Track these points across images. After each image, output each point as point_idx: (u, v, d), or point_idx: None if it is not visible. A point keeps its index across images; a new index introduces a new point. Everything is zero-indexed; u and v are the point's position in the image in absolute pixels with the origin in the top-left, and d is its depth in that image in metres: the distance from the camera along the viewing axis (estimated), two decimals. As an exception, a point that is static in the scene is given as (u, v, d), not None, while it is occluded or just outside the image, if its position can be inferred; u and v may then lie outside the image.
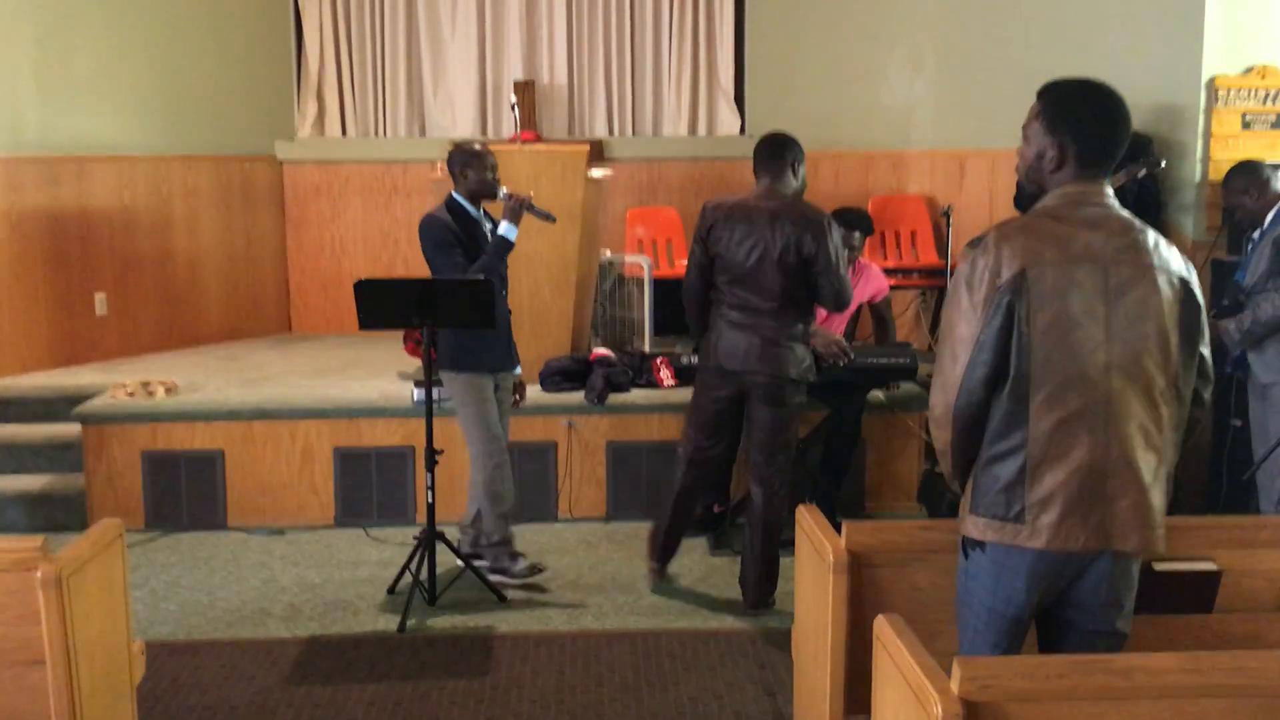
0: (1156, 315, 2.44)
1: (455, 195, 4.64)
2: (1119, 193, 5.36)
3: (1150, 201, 5.45)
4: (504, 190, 4.63)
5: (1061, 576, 2.49)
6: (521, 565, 4.77)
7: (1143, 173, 5.22)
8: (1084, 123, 2.54)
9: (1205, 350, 2.56)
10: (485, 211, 4.71)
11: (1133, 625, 2.59)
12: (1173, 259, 2.51)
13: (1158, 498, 2.48)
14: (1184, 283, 2.50)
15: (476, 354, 4.60)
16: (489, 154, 4.65)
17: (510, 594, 4.69)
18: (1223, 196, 4.86)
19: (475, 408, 4.62)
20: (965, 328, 2.47)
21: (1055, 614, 2.56)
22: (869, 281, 5.52)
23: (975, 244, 2.51)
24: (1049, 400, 2.42)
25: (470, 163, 4.60)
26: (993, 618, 2.53)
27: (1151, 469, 2.46)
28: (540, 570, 4.84)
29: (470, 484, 4.77)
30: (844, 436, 5.42)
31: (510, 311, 4.76)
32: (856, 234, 5.33)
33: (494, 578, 4.74)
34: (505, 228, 4.57)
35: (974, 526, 2.53)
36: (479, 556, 4.83)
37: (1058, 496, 2.43)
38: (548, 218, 4.70)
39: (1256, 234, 4.69)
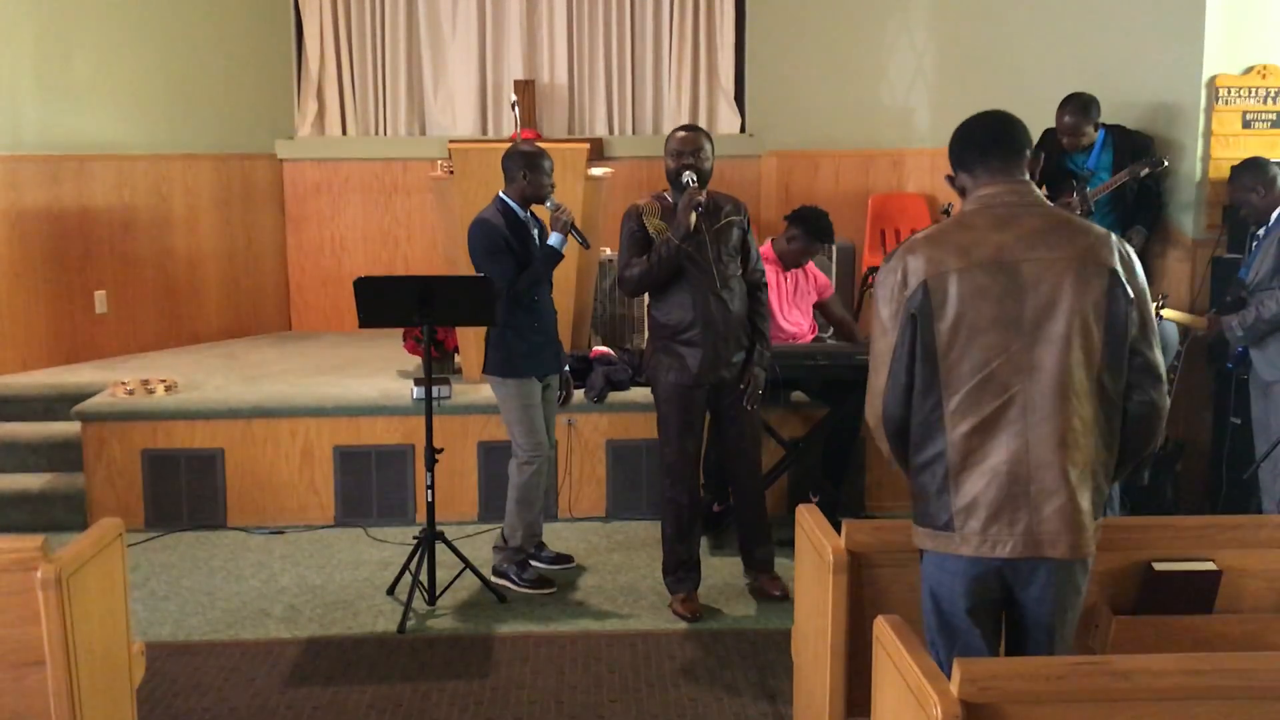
0: (1074, 312, 2.41)
1: (505, 197, 4.60)
2: (1120, 191, 5.38)
3: (1151, 201, 5.46)
4: (553, 200, 4.59)
5: (1000, 582, 2.48)
6: (530, 574, 4.76)
7: (1145, 172, 5.22)
8: (955, 147, 2.63)
9: (1149, 350, 2.48)
10: (532, 213, 4.68)
11: (1133, 625, 2.60)
12: (1104, 247, 2.46)
13: (1085, 499, 2.43)
14: (1112, 274, 2.43)
15: (525, 360, 4.59)
16: (548, 158, 4.60)
17: (510, 594, 4.69)
18: (1228, 192, 4.85)
19: (520, 412, 4.62)
20: (882, 341, 2.53)
21: (1011, 618, 2.57)
22: (813, 282, 5.50)
23: (888, 258, 2.55)
24: (962, 406, 2.43)
25: (532, 166, 4.54)
26: (940, 622, 2.55)
27: (1077, 470, 2.42)
28: (550, 586, 4.76)
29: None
30: (843, 435, 5.42)
31: (556, 312, 4.77)
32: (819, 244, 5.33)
33: (496, 580, 4.74)
34: (556, 239, 4.56)
35: (916, 536, 2.57)
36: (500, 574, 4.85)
37: (980, 502, 2.43)
38: (584, 243, 4.68)
39: (1261, 231, 4.68)
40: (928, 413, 2.47)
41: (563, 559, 5.01)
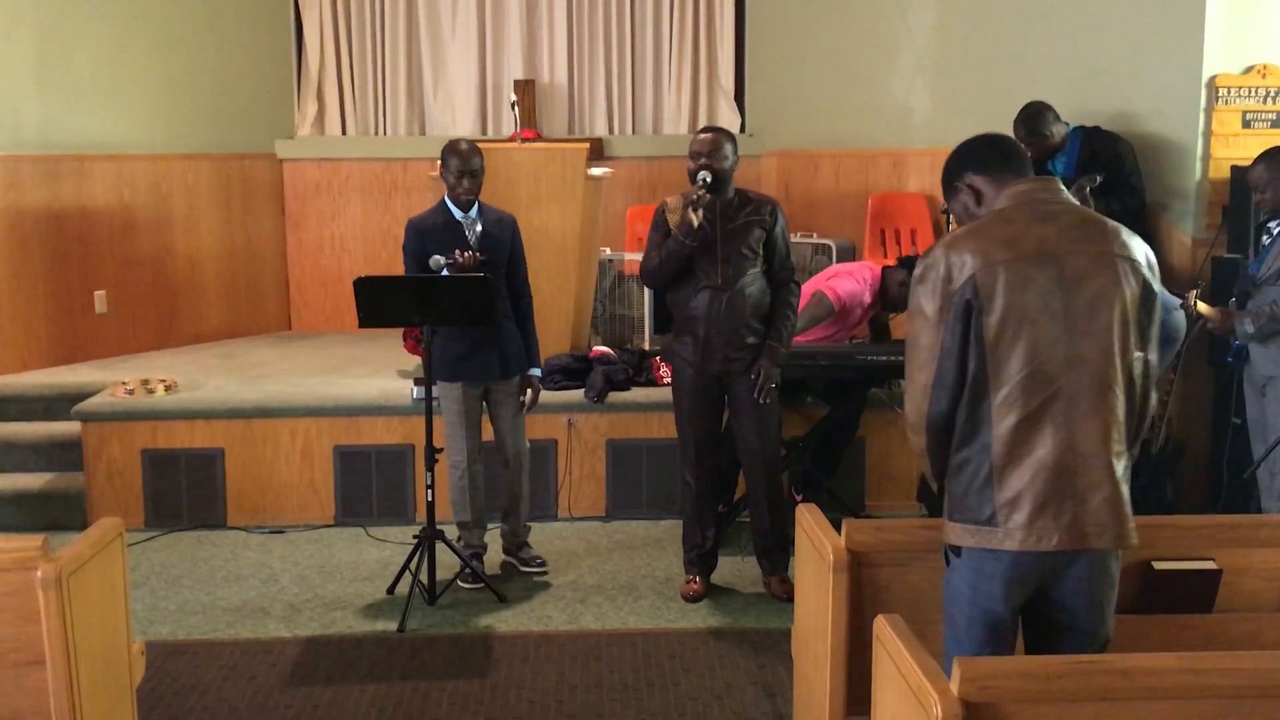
0: (1118, 304, 2.44)
1: (445, 196, 4.66)
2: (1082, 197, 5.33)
3: (1129, 212, 5.39)
4: (436, 259, 4.48)
5: (1039, 577, 2.49)
6: (468, 572, 4.73)
7: (1088, 189, 5.15)
8: (964, 154, 2.64)
9: (1150, 353, 2.53)
10: (484, 212, 4.66)
11: (1133, 625, 2.60)
12: (1134, 247, 2.51)
13: (1126, 489, 2.47)
14: (1144, 270, 2.49)
15: (456, 364, 4.62)
16: (457, 156, 4.56)
17: (510, 594, 4.69)
18: (1250, 178, 4.72)
19: (449, 415, 4.68)
20: (927, 337, 2.51)
21: (1041, 614, 2.56)
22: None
23: (927, 254, 2.54)
24: (1009, 399, 2.43)
25: (444, 163, 4.59)
26: (972, 622, 2.53)
27: (1120, 462, 2.46)
28: (474, 577, 4.71)
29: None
30: (842, 435, 5.43)
31: (508, 318, 4.70)
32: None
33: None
34: (434, 262, 4.50)
35: (952, 532, 2.55)
36: (511, 555, 4.93)
37: (1025, 496, 2.43)
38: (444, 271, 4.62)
39: (1275, 225, 4.63)
40: (974, 406, 2.47)
41: (533, 563, 4.98)
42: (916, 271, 2.56)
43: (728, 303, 4.42)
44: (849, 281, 5.27)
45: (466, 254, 4.49)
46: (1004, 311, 2.42)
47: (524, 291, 4.80)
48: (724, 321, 4.43)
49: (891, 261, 5.94)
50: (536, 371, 4.84)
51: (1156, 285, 2.52)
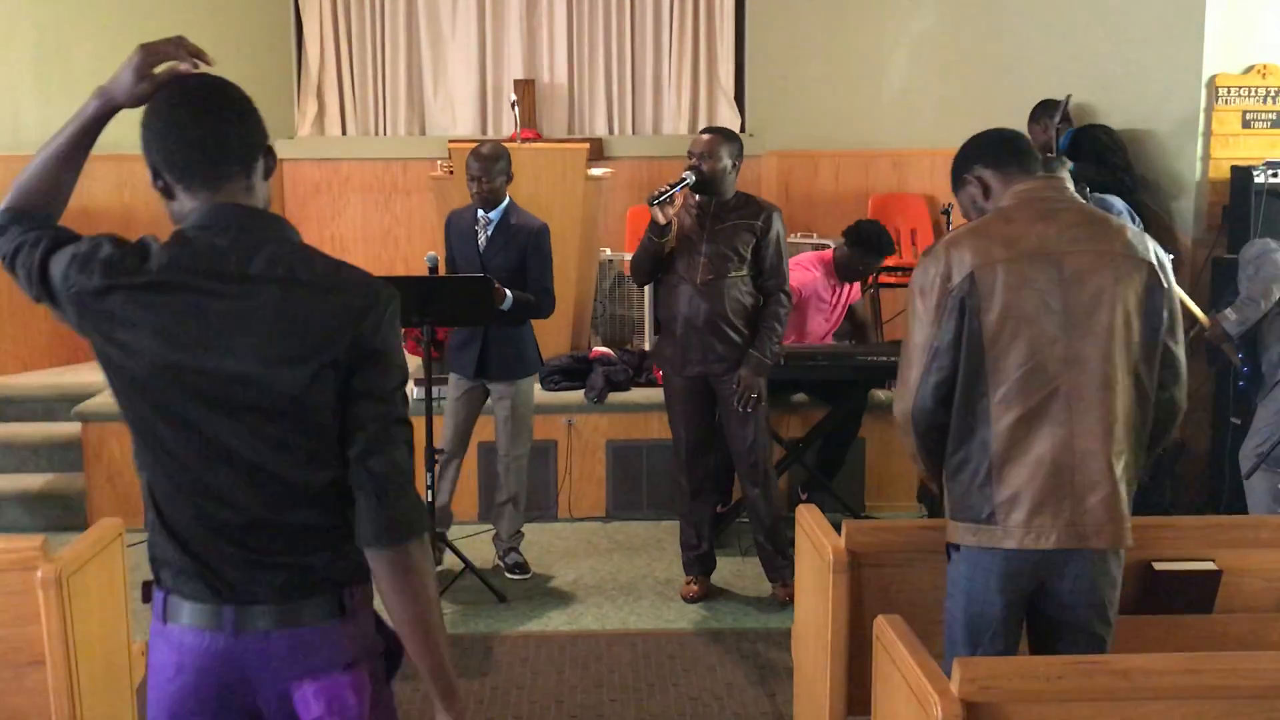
0: (1118, 303, 2.43)
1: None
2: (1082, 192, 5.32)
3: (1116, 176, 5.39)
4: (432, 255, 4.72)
5: (1036, 575, 2.49)
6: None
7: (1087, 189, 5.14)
8: (975, 147, 2.64)
9: (1176, 346, 2.52)
10: (508, 215, 4.67)
11: (1133, 625, 2.60)
12: (1140, 244, 2.50)
13: (1124, 489, 2.46)
14: (1150, 268, 2.47)
15: (452, 355, 4.76)
16: (473, 157, 4.61)
17: (510, 595, 4.69)
18: None
19: (445, 404, 4.79)
20: (920, 335, 2.50)
21: (1043, 614, 2.56)
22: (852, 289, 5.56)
23: (928, 252, 2.54)
24: (1007, 398, 2.43)
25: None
26: (970, 619, 2.54)
27: (1119, 461, 2.45)
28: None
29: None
30: (843, 435, 5.43)
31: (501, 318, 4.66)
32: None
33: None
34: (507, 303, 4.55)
35: (953, 530, 2.55)
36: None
37: (1024, 494, 2.43)
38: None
39: None
40: (971, 404, 2.46)
41: (515, 570, 4.95)
42: (917, 268, 2.56)
43: (704, 303, 4.38)
44: (797, 272, 5.19)
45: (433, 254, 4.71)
46: (1002, 309, 2.42)
47: (538, 298, 4.69)
48: (700, 321, 4.40)
49: (890, 261, 5.97)
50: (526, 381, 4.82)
51: (1168, 281, 2.50)
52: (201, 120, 1.83)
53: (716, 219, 4.43)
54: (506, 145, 4.87)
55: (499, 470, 4.86)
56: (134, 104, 1.93)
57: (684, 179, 4.36)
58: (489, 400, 4.79)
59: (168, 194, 1.95)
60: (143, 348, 1.79)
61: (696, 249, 4.41)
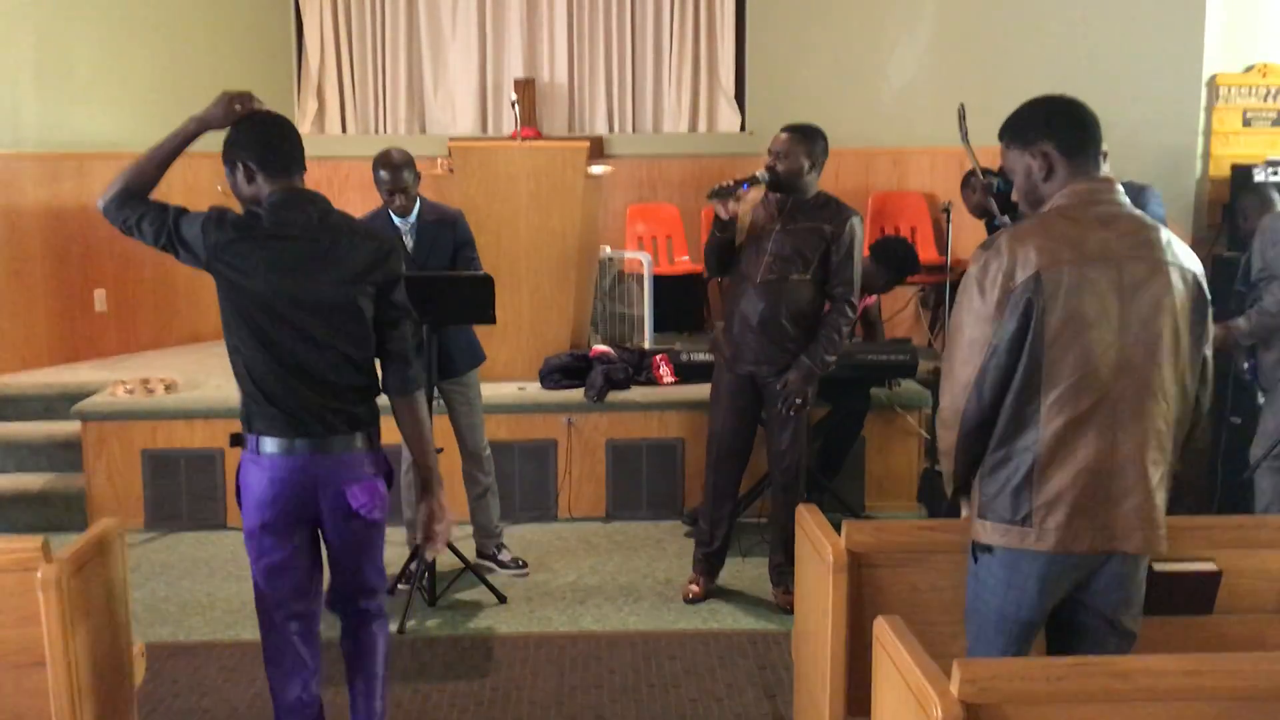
0: (1170, 313, 2.43)
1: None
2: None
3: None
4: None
5: (1071, 578, 2.49)
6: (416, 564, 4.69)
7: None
8: (1054, 120, 2.56)
9: (1208, 351, 2.55)
10: (427, 219, 4.61)
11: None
12: (1185, 255, 2.49)
13: (1161, 498, 2.47)
14: (1196, 279, 2.48)
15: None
16: (380, 164, 4.53)
17: (510, 595, 4.69)
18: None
19: None
20: (977, 330, 2.45)
21: (1066, 616, 2.56)
22: None
23: (987, 246, 2.48)
24: (1060, 401, 2.41)
25: (374, 171, 4.54)
26: (1003, 622, 2.52)
27: (1158, 470, 2.46)
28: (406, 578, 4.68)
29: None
30: (844, 435, 5.42)
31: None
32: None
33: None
34: None
35: (983, 530, 2.52)
36: (487, 557, 4.91)
37: (1064, 498, 2.42)
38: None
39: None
40: (1022, 405, 2.44)
41: (512, 565, 4.96)
42: (974, 263, 2.49)
43: (762, 302, 4.33)
44: None
45: None
46: (1064, 313, 2.39)
47: None
48: (755, 321, 4.34)
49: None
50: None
51: (1208, 292, 2.51)
52: (284, 135, 2.95)
53: (790, 218, 4.33)
54: (507, 143, 4.85)
55: (469, 467, 4.81)
56: (223, 126, 2.97)
57: (754, 177, 4.29)
58: (437, 401, 4.62)
59: (249, 180, 2.90)
60: (259, 275, 2.83)
61: (763, 247, 4.33)
